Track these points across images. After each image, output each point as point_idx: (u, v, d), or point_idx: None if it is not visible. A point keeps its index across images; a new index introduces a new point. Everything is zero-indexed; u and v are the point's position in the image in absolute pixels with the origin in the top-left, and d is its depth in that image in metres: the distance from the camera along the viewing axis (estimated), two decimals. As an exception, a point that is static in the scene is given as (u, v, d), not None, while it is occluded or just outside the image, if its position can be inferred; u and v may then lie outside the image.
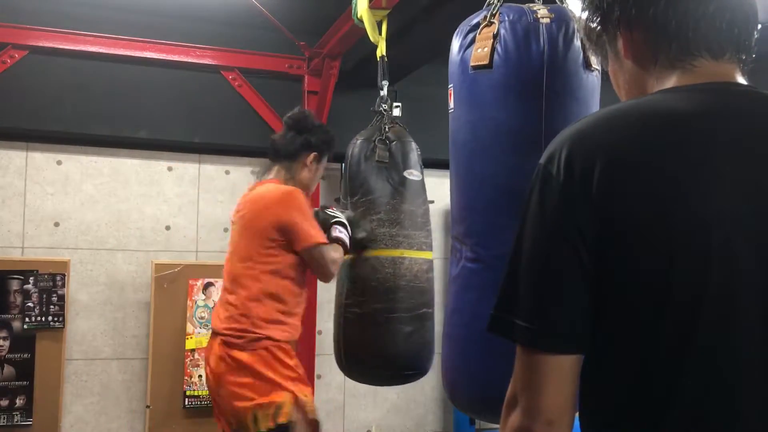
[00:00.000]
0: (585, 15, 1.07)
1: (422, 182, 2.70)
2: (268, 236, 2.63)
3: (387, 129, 2.68)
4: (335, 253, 2.65)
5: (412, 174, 2.65)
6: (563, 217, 0.89)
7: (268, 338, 2.60)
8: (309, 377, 4.25)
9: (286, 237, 2.63)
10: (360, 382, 2.80)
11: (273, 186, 2.73)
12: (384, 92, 2.82)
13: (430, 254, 2.68)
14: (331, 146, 2.86)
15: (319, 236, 2.63)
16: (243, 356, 2.58)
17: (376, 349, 2.60)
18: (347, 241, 2.70)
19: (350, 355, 2.63)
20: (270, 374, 2.57)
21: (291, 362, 2.62)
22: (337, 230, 2.71)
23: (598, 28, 1.05)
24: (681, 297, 0.85)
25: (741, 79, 0.98)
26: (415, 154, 2.71)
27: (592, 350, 0.92)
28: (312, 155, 2.79)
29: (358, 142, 2.71)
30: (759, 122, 0.92)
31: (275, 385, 2.56)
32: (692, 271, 0.85)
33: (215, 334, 2.70)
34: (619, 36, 1.02)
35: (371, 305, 2.58)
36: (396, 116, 2.83)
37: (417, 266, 2.59)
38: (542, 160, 0.93)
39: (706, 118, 0.91)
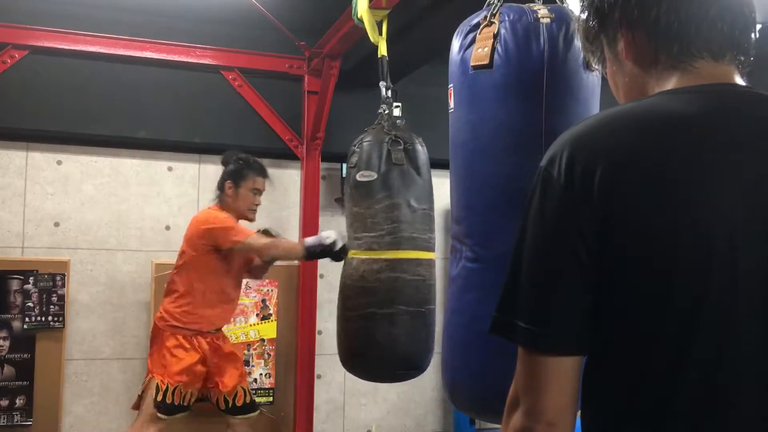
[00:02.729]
0: (584, 16, 1.07)
1: (376, 181, 2.64)
2: (190, 245, 3.41)
3: (392, 130, 2.69)
4: (269, 241, 3.32)
5: (364, 176, 2.64)
6: (564, 219, 0.89)
7: (167, 327, 3.37)
8: (309, 377, 4.26)
9: (207, 242, 3.35)
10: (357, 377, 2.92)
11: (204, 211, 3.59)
12: (387, 93, 2.82)
13: (386, 254, 2.63)
14: (242, 172, 3.47)
15: (241, 235, 3.30)
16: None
17: (339, 345, 2.78)
18: (309, 242, 3.27)
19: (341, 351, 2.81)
20: (154, 355, 3.38)
21: (168, 348, 3.32)
22: (312, 237, 3.34)
23: (598, 29, 1.05)
24: (682, 298, 0.85)
25: (740, 81, 0.98)
26: (376, 153, 2.68)
27: (593, 351, 0.92)
28: (228, 183, 3.47)
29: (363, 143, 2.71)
30: (758, 123, 0.92)
31: (152, 365, 3.37)
32: (693, 272, 0.85)
33: None
34: (619, 37, 1.02)
35: (338, 303, 2.78)
36: (396, 116, 2.82)
37: (365, 266, 2.61)
38: (543, 163, 0.93)
39: (705, 120, 0.91)
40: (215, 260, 3.36)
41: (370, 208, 2.62)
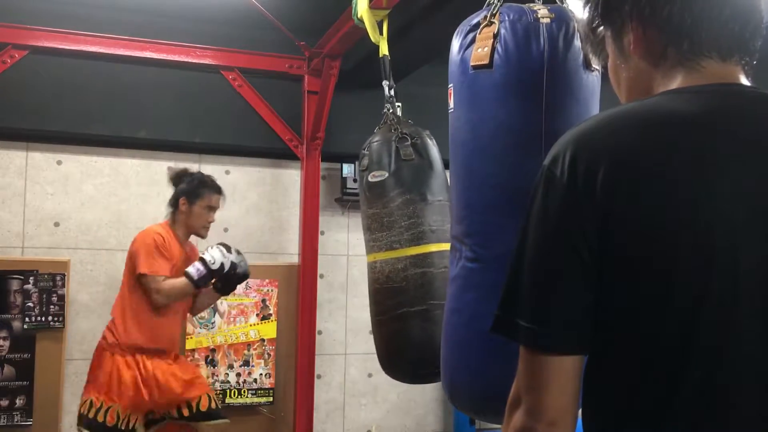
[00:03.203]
0: (590, 7, 1.06)
1: (387, 180, 2.63)
2: (128, 263, 3.34)
3: (399, 127, 2.67)
4: (163, 285, 3.24)
5: (375, 176, 2.63)
6: (566, 218, 0.89)
7: (108, 345, 3.29)
8: (309, 377, 4.26)
9: (132, 263, 3.30)
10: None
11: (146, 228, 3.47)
12: (391, 92, 2.81)
13: (408, 250, 2.62)
14: (197, 190, 3.42)
15: (150, 269, 3.23)
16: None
17: (378, 351, 2.67)
18: (193, 275, 3.25)
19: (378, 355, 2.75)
20: (93, 372, 3.29)
21: (105, 369, 3.22)
22: (194, 265, 3.29)
23: (603, 21, 1.04)
24: (682, 298, 0.85)
25: (745, 81, 0.98)
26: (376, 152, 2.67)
27: (593, 351, 0.92)
28: (182, 200, 3.41)
29: (365, 150, 2.71)
30: (760, 123, 0.92)
31: (88, 383, 3.29)
32: (694, 272, 0.85)
33: None
34: (628, 31, 1.01)
35: (369, 309, 2.68)
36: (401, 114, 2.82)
37: (389, 267, 2.59)
38: (546, 162, 0.93)
39: (707, 120, 0.91)
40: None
41: (386, 207, 2.60)
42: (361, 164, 2.70)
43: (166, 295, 3.25)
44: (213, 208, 3.47)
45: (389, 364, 2.65)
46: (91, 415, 3.14)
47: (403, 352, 2.58)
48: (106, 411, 3.15)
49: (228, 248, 3.40)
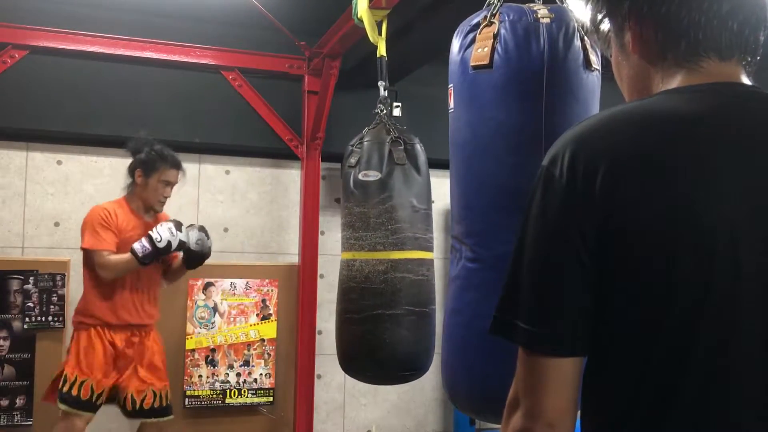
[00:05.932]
0: (591, 5, 1.06)
1: (379, 181, 2.65)
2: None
3: (393, 130, 2.71)
4: (107, 259, 3.17)
5: (367, 175, 2.65)
6: (565, 219, 0.88)
7: (78, 324, 3.30)
8: (309, 377, 4.26)
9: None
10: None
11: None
12: (383, 93, 2.82)
13: (392, 254, 2.64)
14: (153, 161, 3.29)
15: (92, 244, 3.20)
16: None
17: (343, 348, 2.72)
18: (138, 251, 3.15)
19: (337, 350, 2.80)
20: (70, 349, 3.29)
21: (80, 344, 3.22)
22: (140, 241, 3.20)
23: (605, 19, 1.04)
24: (683, 298, 0.85)
25: (745, 80, 0.97)
26: (378, 153, 2.70)
27: (594, 352, 0.91)
28: (138, 172, 3.31)
29: (349, 147, 2.77)
30: (761, 122, 0.91)
31: (67, 358, 3.28)
32: (694, 272, 0.85)
33: None
34: (627, 30, 1.00)
35: (339, 306, 2.73)
36: (396, 116, 2.84)
37: (369, 268, 2.61)
38: (545, 162, 0.93)
39: (708, 119, 0.90)
40: None
41: (375, 208, 2.62)
42: (349, 161, 2.72)
43: (110, 269, 3.18)
44: (170, 183, 3.35)
45: (355, 363, 2.70)
46: (66, 389, 3.15)
47: (372, 353, 2.61)
48: (81, 385, 3.16)
49: (179, 226, 3.27)
